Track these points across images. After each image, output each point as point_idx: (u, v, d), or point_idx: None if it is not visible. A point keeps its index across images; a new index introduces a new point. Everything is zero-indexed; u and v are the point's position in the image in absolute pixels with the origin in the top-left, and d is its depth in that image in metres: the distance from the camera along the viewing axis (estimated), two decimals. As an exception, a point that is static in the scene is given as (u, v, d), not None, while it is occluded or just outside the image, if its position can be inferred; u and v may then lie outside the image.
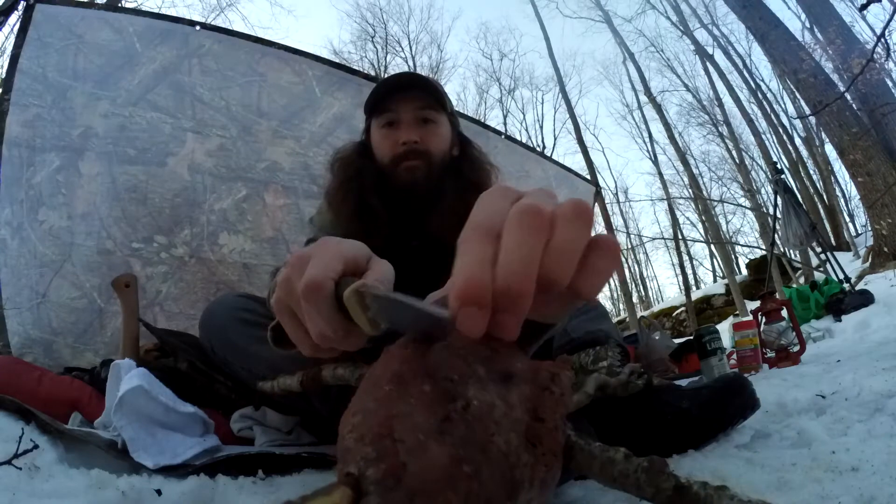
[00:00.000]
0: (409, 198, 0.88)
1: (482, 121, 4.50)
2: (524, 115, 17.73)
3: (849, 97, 5.27)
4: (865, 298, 2.86)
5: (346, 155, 0.94)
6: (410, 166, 0.87)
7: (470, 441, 0.20)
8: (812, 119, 7.96)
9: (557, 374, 0.25)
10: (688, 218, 16.59)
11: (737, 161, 13.45)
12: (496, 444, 0.20)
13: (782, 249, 6.30)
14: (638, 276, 19.76)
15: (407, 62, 14.55)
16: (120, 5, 3.98)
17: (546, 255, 0.23)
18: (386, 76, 0.94)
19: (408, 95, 0.88)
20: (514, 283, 0.23)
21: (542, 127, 16.52)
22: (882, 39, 4.08)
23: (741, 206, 14.57)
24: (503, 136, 2.99)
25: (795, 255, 8.10)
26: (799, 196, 5.41)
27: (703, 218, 14.26)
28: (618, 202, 17.05)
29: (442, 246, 0.79)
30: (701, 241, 15.43)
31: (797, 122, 12.12)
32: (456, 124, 0.96)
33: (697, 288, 14.53)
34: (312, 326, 0.33)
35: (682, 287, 12.27)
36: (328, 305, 0.31)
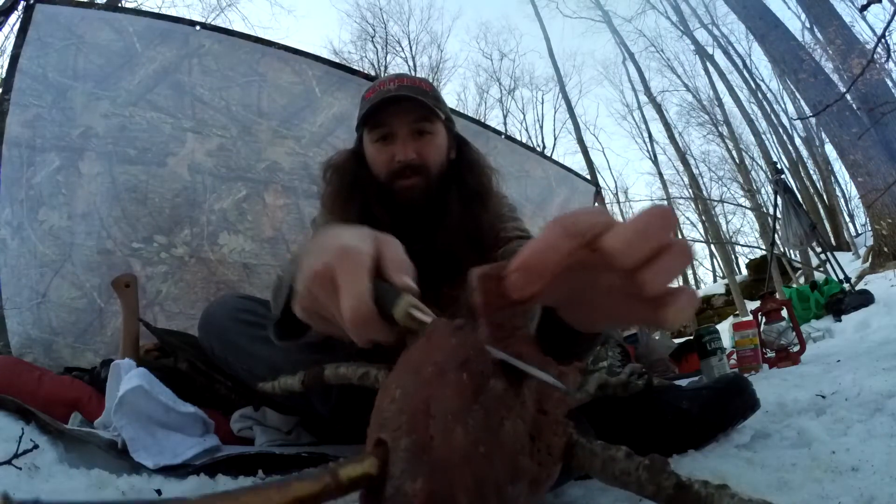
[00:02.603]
0: (410, 211, 0.86)
1: (482, 121, 4.50)
2: (524, 115, 17.62)
3: (849, 97, 5.26)
4: (865, 298, 2.86)
5: (341, 163, 0.92)
6: (408, 185, 0.85)
7: (486, 425, 0.22)
8: (812, 119, 7.96)
9: (566, 374, 0.26)
10: (688, 218, 16.59)
11: (737, 161, 13.46)
12: (506, 430, 0.22)
13: (782, 249, 6.30)
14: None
15: (407, 62, 14.55)
16: (120, 5, 3.98)
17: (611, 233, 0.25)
18: (379, 84, 0.91)
19: (401, 108, 0.85)
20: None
21: (542, 127, 16.52)
22: (882, 40, 4.08)
23: (741, 206, 14.59)
24: (503, 136, 2.99)
25: (795, 255, 8.09)
26: (799, 196, 5.42)
27: (703, 218, 14.27)
28: (618, 202, 16.98)
29: (448, 255, 0.78)
30: (701, 241, 15.40)
31: (797, 122, 12.12)
32: (451, 127, 0.93)
33: (697, 288, 14.52)
34: (364, 342, 0.34)
35: (682, 287, 12.25)
36: (379, 325, 0.33)
